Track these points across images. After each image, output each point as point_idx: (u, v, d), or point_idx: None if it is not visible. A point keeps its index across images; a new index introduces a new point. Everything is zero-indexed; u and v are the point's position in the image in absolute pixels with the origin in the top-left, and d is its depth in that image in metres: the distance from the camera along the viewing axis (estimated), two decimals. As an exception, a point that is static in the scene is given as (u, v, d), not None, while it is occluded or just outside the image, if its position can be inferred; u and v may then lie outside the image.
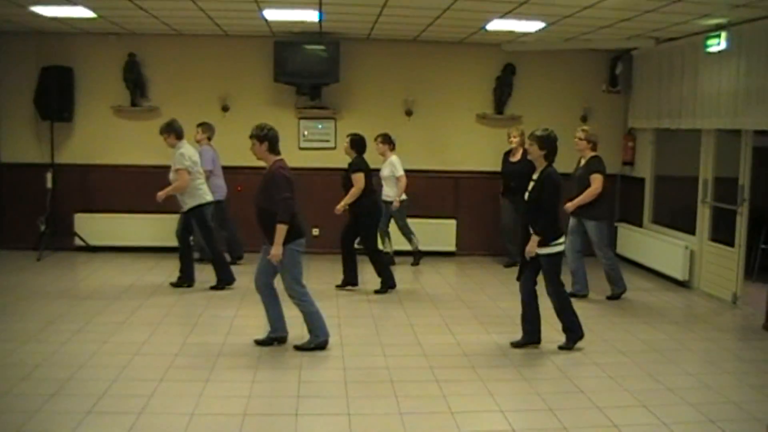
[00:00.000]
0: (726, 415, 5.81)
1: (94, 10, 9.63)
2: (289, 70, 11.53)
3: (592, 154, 9.30)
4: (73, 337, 7.45)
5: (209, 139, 10.93)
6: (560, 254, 7.21)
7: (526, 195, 7.22)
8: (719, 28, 9.40)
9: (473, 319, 8.56)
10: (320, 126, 12.16)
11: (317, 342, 7.19)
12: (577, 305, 7.75)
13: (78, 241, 11.81)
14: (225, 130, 11.32)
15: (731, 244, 9.59)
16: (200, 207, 9.48)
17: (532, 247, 7.04)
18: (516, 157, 11.26)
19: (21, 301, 8.85)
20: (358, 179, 9.39)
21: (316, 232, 12.06)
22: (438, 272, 11.24)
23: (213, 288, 9.59)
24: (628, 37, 10.86)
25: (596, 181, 9.09)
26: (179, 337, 7.50)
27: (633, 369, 6.90)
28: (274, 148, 7.05)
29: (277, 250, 6.80)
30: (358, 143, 9.57)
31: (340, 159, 11.37)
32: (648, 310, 9.22)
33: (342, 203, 9.51)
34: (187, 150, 9.43)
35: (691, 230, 10.50)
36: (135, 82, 11.75)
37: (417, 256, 11.54)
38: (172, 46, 11.85)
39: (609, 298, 9.57)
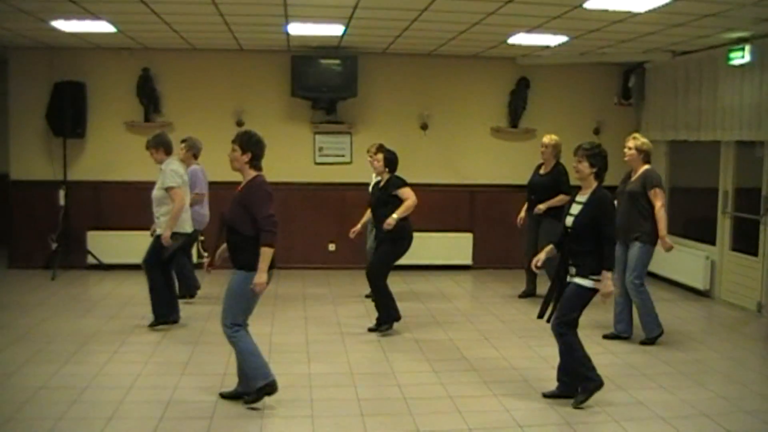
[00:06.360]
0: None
1: (115, 24, 9.51)
2: (307, 84, 11.46)
3: (647, 166, 8.00)
4: (112, 357, 7.32)
5: (195, 157, 9.56)
6: (596, 292, 6.07)
7: (570, 219, 6.16)
8: (741, 41, 9.48)
9: (510, 333, 8.54)
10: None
11: (257, 387, 5.96)
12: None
13: (91, 259, 11.62)
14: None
15: (754, 253, 9.66)
16: (175, 235, 8.28)
17: (608, 287, 6.00)
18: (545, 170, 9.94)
19: (45, 321, 8.66)
20: (410, 192, 8.18)
21: (332, 247, 12.05)
22: (459, 285, 11.22)
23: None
24: (645, 50, 10.92)
25: (660, 197, 7.87)
26: (223, 356, 7.22)
27: (684, 381, 6.91)
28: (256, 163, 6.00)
29: (261, 278, 5.77)
30: (391, 161, 8.42)
31: (356, 174, 11.39)
32: (675, 321, 9.15)
33: (395, 215, 8.01)
34: (179, 167, 8.45)
35: (710, 240, 10.56)
36: (148, 97, 11.63)
37: None
38: (186, 61, 11.75)
39: (643, 342, 8.16)
